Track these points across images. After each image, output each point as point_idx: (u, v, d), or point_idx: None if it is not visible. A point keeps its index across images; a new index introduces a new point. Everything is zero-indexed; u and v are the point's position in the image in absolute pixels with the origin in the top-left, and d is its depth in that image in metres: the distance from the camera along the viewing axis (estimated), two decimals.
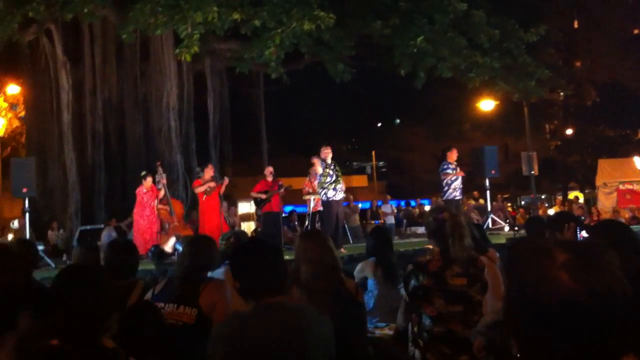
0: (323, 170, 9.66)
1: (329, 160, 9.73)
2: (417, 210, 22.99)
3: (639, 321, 2.71)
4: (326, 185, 9.62)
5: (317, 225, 10.97)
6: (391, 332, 4.39)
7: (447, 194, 11.72)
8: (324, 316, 2.60)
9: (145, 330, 2.59)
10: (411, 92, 17.26)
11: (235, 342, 2.30)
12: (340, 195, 9.73)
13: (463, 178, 11.84)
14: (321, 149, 9.86)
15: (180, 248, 8.21)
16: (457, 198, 11.74)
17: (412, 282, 3.70)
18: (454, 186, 11.62)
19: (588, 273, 1.26)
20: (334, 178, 9.65)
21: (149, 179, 11.30)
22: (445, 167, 11.74)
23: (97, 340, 1.98)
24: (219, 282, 3.74)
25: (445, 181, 11.70)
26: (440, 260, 3.65)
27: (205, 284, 3.65)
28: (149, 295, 3.78)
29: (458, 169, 11.76)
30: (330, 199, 9.66)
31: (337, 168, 9.84)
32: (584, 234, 3.84)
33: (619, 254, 2.95)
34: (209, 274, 3.99)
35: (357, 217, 18.56)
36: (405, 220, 20.33)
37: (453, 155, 11.80)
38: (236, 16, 11.79)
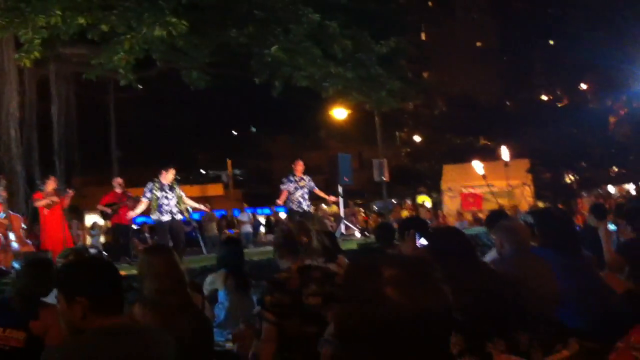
0: (152, 193, 9.29)
1: (166, 182, 9.39)
2: (272, 218, 23.07)
3: (477, 327, 2.83)
4: (156, 206, 9.30)
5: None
6: None
7: (288, 204, 11.47)
8: (165, 336, 2.52)
9: None
10: (269, 100, 17.30)
11: None
12: (167, 217, 9.30)
13: (320, 184, 11.86)
14: (162, 172, 9.49)
15: (17, 266, 7.65)
16: (303, 210, 11.38)
17: (267, 298, 3.57)
18: (293, 198, 11.35)
19: (413, 287, 1.29)
20: (167, 200, 9.32)
21: None
22: (284, 180, 11.53)
23: None
24: (52, 307, 3.53)
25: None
26: (298, 279, 3.58)
27: (38, 308, 3.50)
28: None
29: (303, 181, 11.50)
30: (160, 220, 9.37)
31: (175, 188, 9.48)
32: (423, 241, 3.98)
33: (454, 261, 3.08)
34: (50, 295, 3.76)
35: (214, 225, 18.43)
36: (262, 227, 20.46)
37: (299, 168, 11.59)
38: (82, 21, 11.23)
